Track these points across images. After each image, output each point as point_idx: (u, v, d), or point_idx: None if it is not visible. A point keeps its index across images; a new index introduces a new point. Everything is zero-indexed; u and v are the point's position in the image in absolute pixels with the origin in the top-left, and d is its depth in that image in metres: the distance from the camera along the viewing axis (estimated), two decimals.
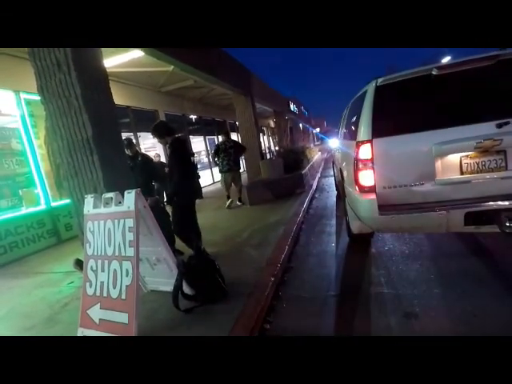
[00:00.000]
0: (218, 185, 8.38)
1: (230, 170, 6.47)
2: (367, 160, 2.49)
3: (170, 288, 2.49)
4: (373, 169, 2.47)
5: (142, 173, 3.90)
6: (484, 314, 1.96)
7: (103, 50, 3.25)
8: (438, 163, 2.34)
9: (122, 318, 2.07)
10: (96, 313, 2.23)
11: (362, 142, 2.53)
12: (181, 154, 3.35)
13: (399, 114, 2.54)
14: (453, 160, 2.32)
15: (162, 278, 2.71)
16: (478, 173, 2.29)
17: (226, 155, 6.37)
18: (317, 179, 9.06)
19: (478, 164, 2.28)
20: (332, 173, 8.06)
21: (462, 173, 2.32)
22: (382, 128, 2.47)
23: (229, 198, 6.52)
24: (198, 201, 3.76)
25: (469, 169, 2.30)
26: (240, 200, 6.64)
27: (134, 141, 4.24)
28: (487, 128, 2.20)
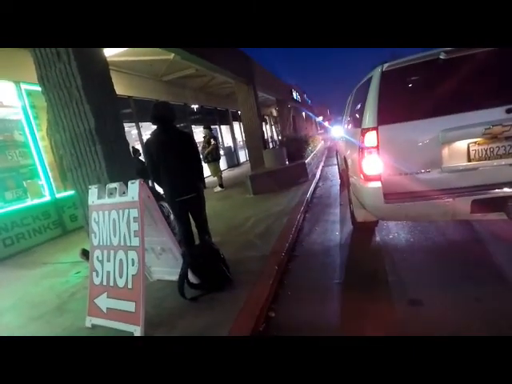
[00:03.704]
0: (223, 174, 8.79)
1: (218, 159, 8.07)
2: (372, 148, 2.45)
3: (175, 277, 2.52)
4: (378, 157, 2.44)
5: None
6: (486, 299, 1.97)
7: None
8: (445, 150, 2.30)
9: (129, 306, 2.10)
10: (103, 302, 2.27)
11: (368, 130, 2.49)
12: (148, 150, 2.80)
13: (405, 100, 2.48)
14: (460, 147, 2.28)
15: (168, 267, 2.74)
16: (485, 159, 2.24)
17: (217, 148, 8.05)
18: (320, 168, 9.00)
19: (486, 151, 2.23)
20: (335, 161, 8.01)
21: (469, 160, 2.27)
22: (387, 115, 2.42)
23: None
24: None
25: (476, 156, 2.26)
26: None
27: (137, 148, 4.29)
28: (496, 113, 2.15)
